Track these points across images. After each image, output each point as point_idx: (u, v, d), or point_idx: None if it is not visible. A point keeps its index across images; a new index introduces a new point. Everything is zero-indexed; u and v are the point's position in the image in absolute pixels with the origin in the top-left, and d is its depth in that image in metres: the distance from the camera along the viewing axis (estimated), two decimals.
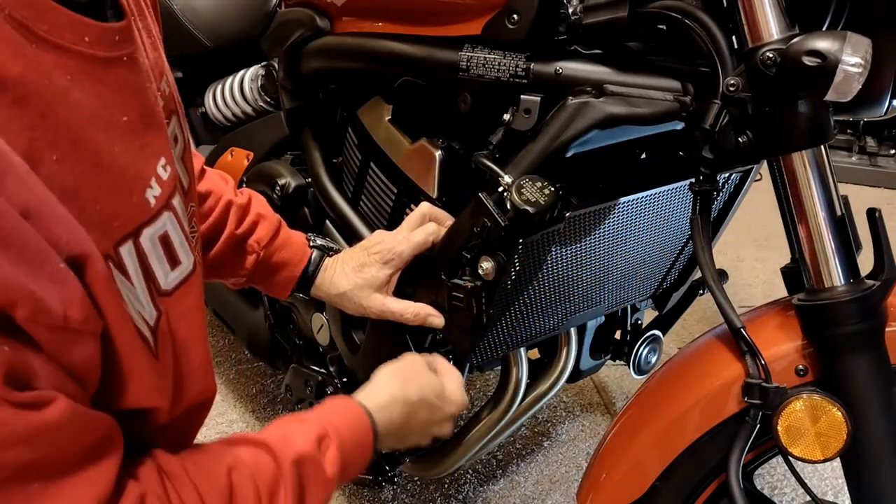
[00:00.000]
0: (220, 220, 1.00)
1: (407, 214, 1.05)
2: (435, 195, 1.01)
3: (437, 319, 0.97)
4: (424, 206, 0.99)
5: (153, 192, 0.59)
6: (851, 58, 0.67)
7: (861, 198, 2.86)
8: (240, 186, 1.34)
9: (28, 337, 0.47)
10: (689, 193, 0.84)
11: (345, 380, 1.22)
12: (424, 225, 0.98)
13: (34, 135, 0.48)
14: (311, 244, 1.06)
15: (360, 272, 1.00)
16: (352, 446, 0.74)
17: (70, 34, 0.52)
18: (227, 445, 0.67)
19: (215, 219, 0.99)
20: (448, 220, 0.99)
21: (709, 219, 0.83)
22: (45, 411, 0.48)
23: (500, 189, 0.85)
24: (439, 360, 0.94)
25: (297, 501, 0.66)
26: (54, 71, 0.50)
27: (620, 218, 1.01)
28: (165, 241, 0.61)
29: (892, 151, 3.24)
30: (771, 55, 0.71)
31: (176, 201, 0.63)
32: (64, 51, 0.51)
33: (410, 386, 0.85)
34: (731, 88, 0.75)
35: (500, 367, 1.22)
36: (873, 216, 0.79)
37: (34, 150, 0.48)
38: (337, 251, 1.07)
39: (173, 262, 0.63)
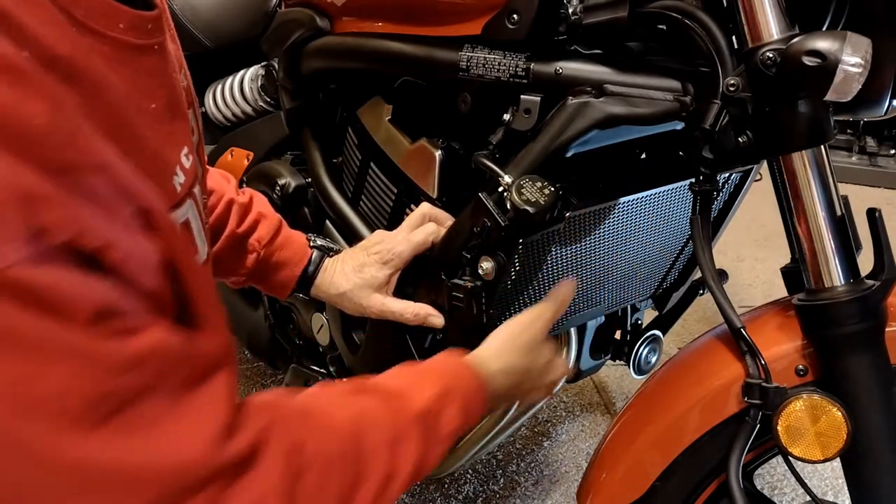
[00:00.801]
0: (222, 218, 1.00)
1: (407, 214, 1.05)
2: (435, 195, 1.01)
3: (437, 319, 0.97)
4: (424, 207, 1.00)
5: (178, 180, 0.60)
6: (851, 58, 0.67)
7: (861, 198, 2.86)
8: (240, 186, 1.33)
9: (118, 276, 0.48)
10: (689, 193, 0.84)
11: (345, 380, 1.21)
12: (424, 225, 0.98)
13: (86, 112, 0.48)
14: (312, 244, 1.06)
15: (360, 272, 1.00)
16: (469, 406, 0.75)
17: (105, 20, 0.52)
18: (355, 393, 0.67)
19: (217, 217, 0.99)
20: (448, 220, 0.99)
21: (709, 219, 0.83)
22: (147, 336, 0.49)
23: (500, 189, 0.85)
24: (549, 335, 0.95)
25: (418, 453, 0.67)
26: (93, 54, 0.51)
27: (620, 218, 1.01)
28: (187, 228, 0.62)
29: (892, 151, 3.24)
30: (771, 55, 0.71)
31: (196, 190, 0.64)
32: (99, 36, 0.52)
33: (526, 354, 0.86)
34: (731, 88, 0.75)
35: None
36: (873, 216, 0.79)
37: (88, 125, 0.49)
38: (337, 251, 1.07)
39: (192, 249, 0.64)
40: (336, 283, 1.03)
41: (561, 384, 1.06)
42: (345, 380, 0.72)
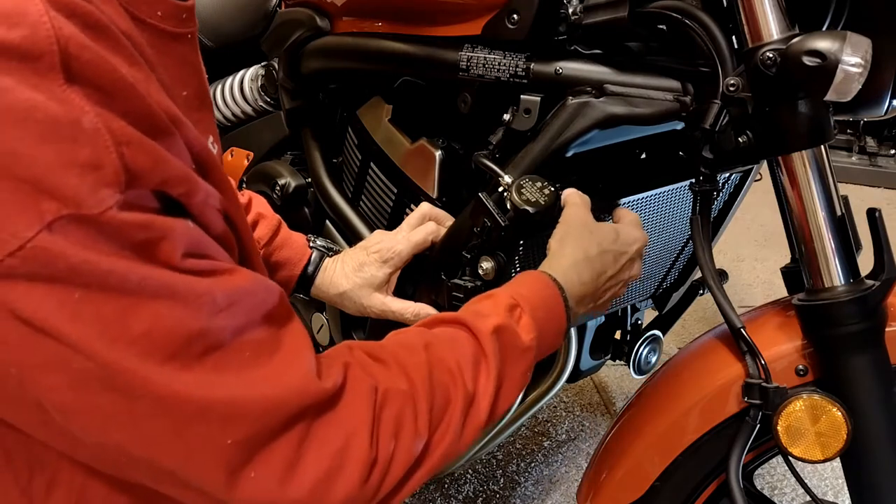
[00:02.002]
0: None
1: (407, 214, 1.05)
2: (435, 195, 1.01)
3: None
4: (424, 206, 1.00)
5: None
6: (851, 58, 0.67)
7: (861, 198, 2.86)
8: (240, 187, 1.34)
9: (200, 219, 0.51)
10: (689, 193, 0.84)
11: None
12: (424, 224, 0.98)
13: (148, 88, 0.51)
14: (311, 244, 1.06)
15: (360, 272, 1.00)
16: (543, 312, 0.74)
17: (146, 7, 0.56)
18: (424, 326, 0.69)
19: None
20: (448, 220, 0.99)
21: (709, 219, 0.83)
22: (234, 276, 0.52)
23: (500, 189, 0.85)
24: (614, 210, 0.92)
25: (499, 370, 0.67)
26: (138, 37, 0.54)
27: None
28: None
29: (892, 151, 3.24)
30: (771, 55, 0.71)
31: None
32: (140, 21, 0.55)
33: (587, 242, 0.82)
34: (731, 88, 0.75)
35: None
36: (873, 216, 0.79)
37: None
38: (337, 251, 1.07)
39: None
40: (336, 283, 1.03)
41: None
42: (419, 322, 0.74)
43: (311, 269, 1.04)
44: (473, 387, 0.65)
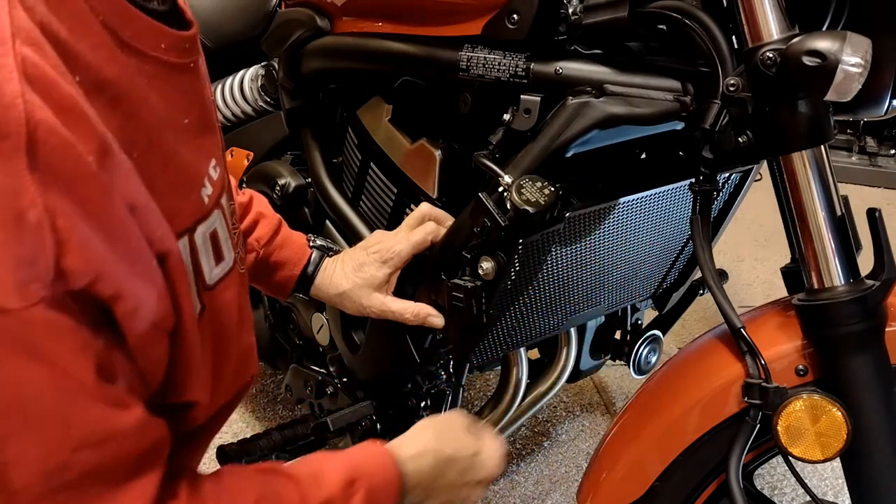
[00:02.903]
0: None
1: (407, 214, 1.05)
2: (435, 195, 1.01)
3: (436, 319, 0.97)
4: (424, 207, 0.99)
5: (206, 192, 0.61)
6: (851, 58, 0.67)
7: (861, 198, 2.86)
8: (240, 187, 1.34)
9: (120, 332, 0.49)
10: (689, 193, 0.84)
11: (345, 380, 1.22)
12: (424, 224, 0.98)
13: (124, 133, 0.50)
14: (311, 244, 1.06)
15: (360, 271, 1.00)
16: (379, 494, 0.73)
17: (150, 41, 0.55)
18: (260, 474, 0.67)
19: None
20: (448, 220, 0.99)
21: (709, 219, 0.83)
22: (123, 414, 0.50)
23: (500, 189, 0.85)
24: (482, 426, 0.91)
25: None
26: (136, 74, 0.53)
27: (620, 218, 1.01)
28: (214, 238, 0.63)
29: (892, 151, 3.23)
30: (771, 55, 0.71)
31: (224, 200, 0.66)
32: (144, 56, 0.54)
33: (445, 441, 0.82)
34: (731, 88, 0.75)
35: (500, 367, 1.22)
36: (873, 216, 0.79)
37: (125, 147, 0.50)
38: (337, 251, 1.07)
39: (218, 257, 0.65)
40: (336, 283, 1.03)
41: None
42: (258, 464, 0.71)
43: (310, 269, 1.04)
44: None
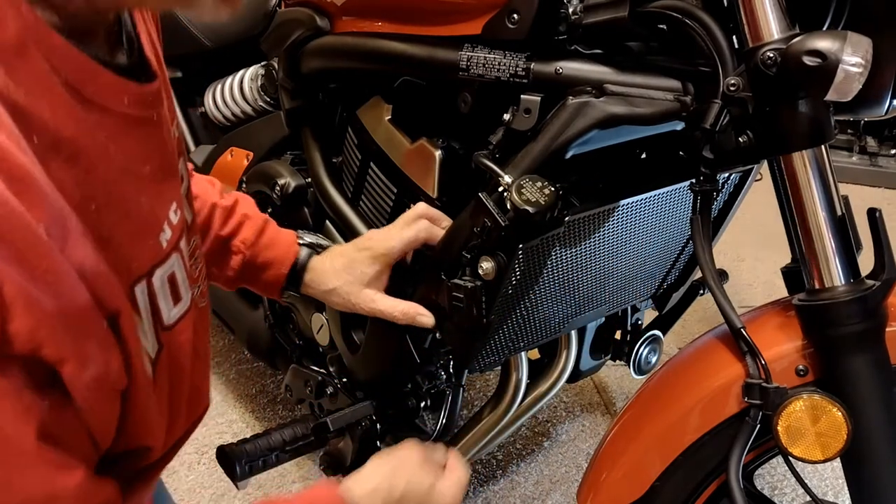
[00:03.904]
0: (206, 222, 1.00)
1: None
2: (435, 195, 1.01)
3: (426, 319, 0.97)
4: (420, 206, 0.99)
5: (165, 236, 0.63)
6: (852, 57, 0.67)
7: (861, 197, 2.86)
8: (239, 186, 1.34)
9: (67, 394, 0.49)
10: (690, 193, 0.84)
11: (344, 380, 1.21)
12: (417, 222, 0.98)
13: (82, 190, 0.51)
14: (300, 241, 1.05)
15: (350, 268, 1.00)
16: None
17: (113, 96, 0.55)
18: None
19: (201, 222, 0.99)
20: (444, 220, 0.98)
21: (709, 219, 0.83)
22: (66, 476, 0.49)
23: (500, 189, 0.85)
24: (443, 454, 0.89)
25: None
26: (96, 129, 0.53)
27: (621, 220, 1.01)
28: (172, 280, 0.64)
29: (893, 151, 3.23)
30: (771, 55, 0.71)
31: (182, 243, 0.66)
32: (106, 111, 0.54)
33: (398, 479, 0.81)
34: (732, 88, 0.74)
35: (500, 367, 1.22)
36: (874, 216, 0.79)
37: (81, 204, 0.51)
38: (326, 248, 1.07)
39: (176, 298, 0.65)
40: (326, 280, 1.02)
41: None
42: None
43: (299, 266, 1.04)
44: None
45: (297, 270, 1.04)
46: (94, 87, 0.53)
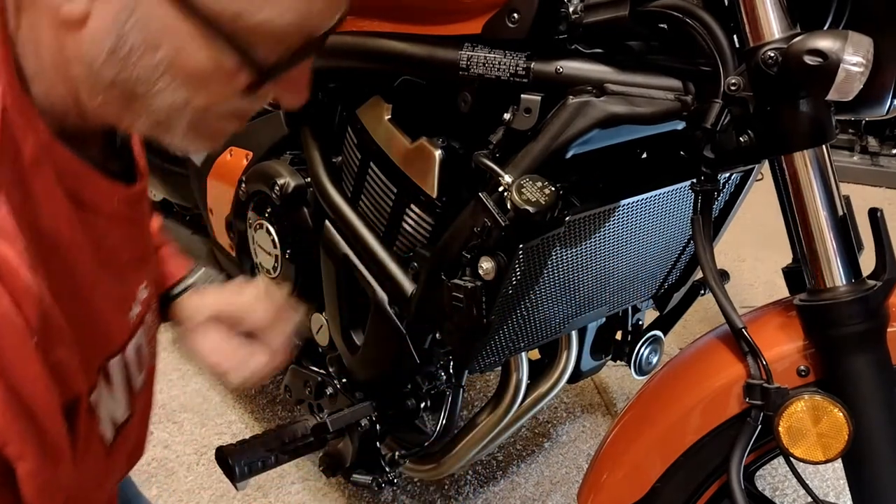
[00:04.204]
0: None
1: (407, 214, 1.05)
2: (435, 195, 1.01)
3: (232, 378, 0.83)
4: (260, 282, 0.87)
5: (134, 312, 0.68)
6: (853, 57, 0.67)
7: (863, 197, 2.85)
8: (239, 186, 1.33)
9: (17, 493, 0.52)
10: (691, 193, 0.84)
11: (344, 380, 1.21)
12: (239, 290, 0.86)
13: (68, 285, 0.56)
14: (177, 288, 0.92)
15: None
16: None
17: (104, 199, 0.61)
18: None
19: None
20: (281, 301, 0.85)
21: (710, 219, 0.83)
22: None
23: (501, 189, 0.85)
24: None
25: None
26: (87, 229, 0.59)
27: (622, 220, 1.01)
28: (139, 350, 0.70)
29: (894, 151, 3.23)
30: (772, 54, 0.71)
31: (148, 315, 0.72)
32: (98, 212, 0.60)
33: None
34: (733, 88, 0.74)
35: (500, 368, 1.22)
36: (875, 216, 0.79)
37: (66, 297, 0.55)
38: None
39: (141, 366, 0.72)
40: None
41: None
42: None
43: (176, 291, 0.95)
44: None
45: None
46: (89, 191, 0.58)
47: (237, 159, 1.37)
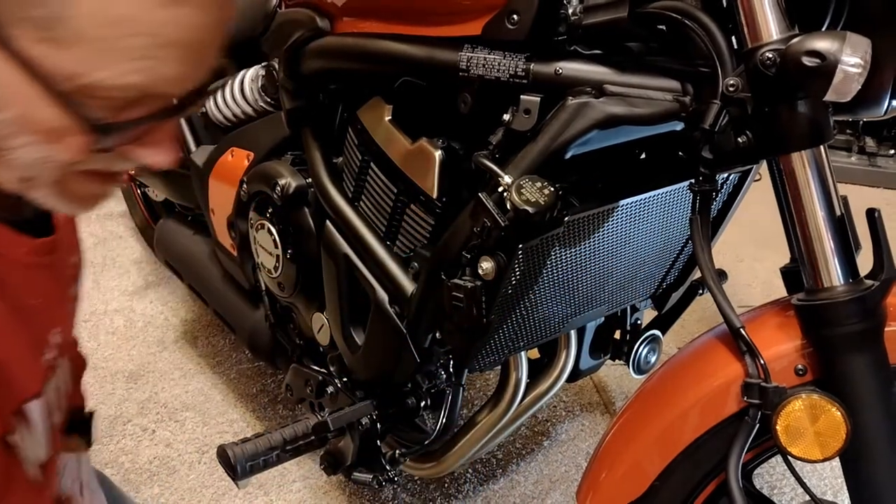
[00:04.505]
0: None
1: (407, 214, 1.05)
2: (435, 195, 1.01)
3: None
4: None
5: (48, 356, 0.72)
6: (851, 58, 0.67)
7: (860, 198, 2.85)
8: (240, 186, 1.34)
9: None
10: (689, 194, 0.85)
11: (345, 379, 1.22)
12: None
13: None
14: None
15: None
16: None
17: (10, 248, 0.66)
18: None
19: None
20: None
21: (708, 219, 0.83)
22: None
23: (500, 189, 0.85)
24: None
25: None
26: None
27: (621, 220, 1.01)
28: (58, 391, 0.75)
29: (892, 152, 3.23)
30: (770, 55, 0.72)
31: (63, 360, 0.77)
32: (5, 259, 0.65)
33: None
34: (731, 88, 0.75)
35: (499, 367, 1.22)
36: (872, 216, 0.79)
37: None
38: None
39: (61, 407, 0.77)
40: None
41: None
42: None
43: None
44: None
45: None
46: None
47: (238, 160, 1.38)
